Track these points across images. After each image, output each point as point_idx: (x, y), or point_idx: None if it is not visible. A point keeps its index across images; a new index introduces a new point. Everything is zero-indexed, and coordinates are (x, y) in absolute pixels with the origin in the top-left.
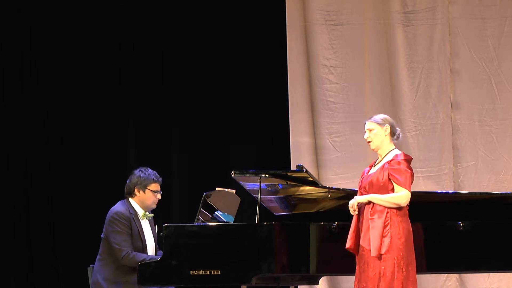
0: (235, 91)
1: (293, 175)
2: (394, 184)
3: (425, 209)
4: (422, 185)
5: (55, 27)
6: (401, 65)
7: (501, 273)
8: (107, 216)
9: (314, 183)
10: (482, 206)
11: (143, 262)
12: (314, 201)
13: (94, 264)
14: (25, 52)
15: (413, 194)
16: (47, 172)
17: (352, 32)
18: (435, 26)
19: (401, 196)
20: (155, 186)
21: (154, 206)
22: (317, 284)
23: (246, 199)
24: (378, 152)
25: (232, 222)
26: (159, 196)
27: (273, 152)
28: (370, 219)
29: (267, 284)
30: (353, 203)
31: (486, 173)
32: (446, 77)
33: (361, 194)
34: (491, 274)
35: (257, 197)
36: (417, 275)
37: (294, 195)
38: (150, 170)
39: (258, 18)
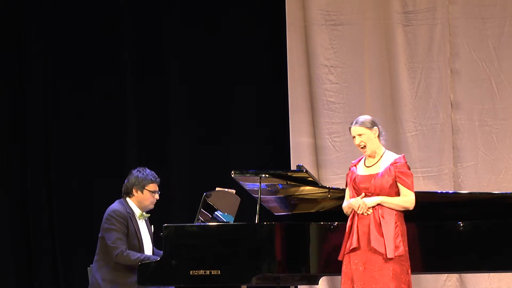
0: (235, 91)
1: (293, 175)
2: (402, 187)
3: (425, 209)
4: (422, 185)
5: (55, 27)
6: (401, 65)
7: (501, 273)
8: (104, 214)
9: (314, 183)
10: (482, 206)
11: (141, 261)
12: (314, 201)
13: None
14: (25, 52)
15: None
16: (47, 172)
17: (352, 32)
18: (435, 26)
19: (411, 199)
20: (153, 187)
21: (152, 206)
22: (317, 284)
23: (246, 199)
24: (371, 154)
25: (232, 222)
26: (157, 196)
27: (273, 152)
28: (382, 219)
29: (267, 284)
30: (361, 205)
31: (486, 173)
32: (446, 77)
33: (359, 195)
34: (491, 274)
35: (257, 197)
36: (417, 275)
37: (294, 195)
38: (148, 170)
39: (258, 18)
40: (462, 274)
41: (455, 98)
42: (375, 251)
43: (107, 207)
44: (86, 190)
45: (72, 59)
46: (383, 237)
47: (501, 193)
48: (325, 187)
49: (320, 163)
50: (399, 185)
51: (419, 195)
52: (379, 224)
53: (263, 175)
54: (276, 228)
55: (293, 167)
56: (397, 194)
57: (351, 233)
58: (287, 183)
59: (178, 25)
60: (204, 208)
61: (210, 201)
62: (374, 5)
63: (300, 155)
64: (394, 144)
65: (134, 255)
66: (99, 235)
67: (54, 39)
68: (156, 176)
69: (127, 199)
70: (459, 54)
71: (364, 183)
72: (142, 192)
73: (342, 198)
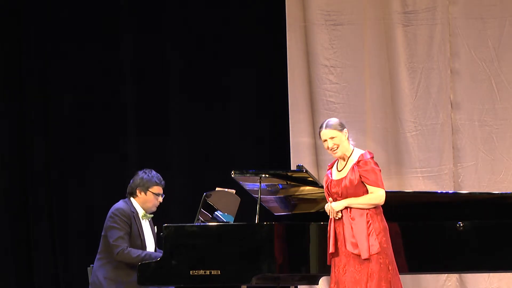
0: (235, 91)
1: (293, 175)
2: (368, 185)
3: (425, 209)
4: (422, 185)
5: (55, 27)
6: (401, 65)
7: (501, 273)
8: (108, 213)
9: (314, 183)
10: (482, 206)
11: (142, 259)
12: (314, 201)
13: (93, 264)
14: (25, 52)
15: (413, 194)
16: (47, 172)
17: (352, 32)
18: (435, 26)
19: (378, 195)
20: (157, 189)
21: (154, 209)
22: (317, 284)
23: (246, 199)
24: (341, 157)
25: (232, 222)
26: (160, 199)
27: (273, 152)
28: (352, 221)
29: (267, 284)
30: (330, 210)
31: (486, 173)
32: (446, 77)
33: (334, 200)
34: (491, 274)
35: (257, 197)
36: (417, 275)
37: (294, 195)
38: (154, 172)
39: (258, 18)
40: (462, 274)
41: (455, 98)
42: (352, 253)
43: (107, 207)
44: (86, 190)
45: (72, 58)
46: (355, 238)
47: (501, 193)
48: None
49: (320, 163)
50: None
51: (419, 195)
52: (351, 227)
53: (263, 175)
54: (276, 228)
55: (293, 167)
56: (366, 192)
57: (329, 238)
58: (287, 183)
59: (179, 25)
60: (204, 208)
61: (210, 201)
62: (374, 5)
63: (300, 155)
64: (394, 144)
65: (135, 252)
66: (102, 233)
67: (54, 39)
68: (161, 179)
69: (131, 199)
70: (459, 54)
71: (335, 188)
72: (145, 194)
73: None
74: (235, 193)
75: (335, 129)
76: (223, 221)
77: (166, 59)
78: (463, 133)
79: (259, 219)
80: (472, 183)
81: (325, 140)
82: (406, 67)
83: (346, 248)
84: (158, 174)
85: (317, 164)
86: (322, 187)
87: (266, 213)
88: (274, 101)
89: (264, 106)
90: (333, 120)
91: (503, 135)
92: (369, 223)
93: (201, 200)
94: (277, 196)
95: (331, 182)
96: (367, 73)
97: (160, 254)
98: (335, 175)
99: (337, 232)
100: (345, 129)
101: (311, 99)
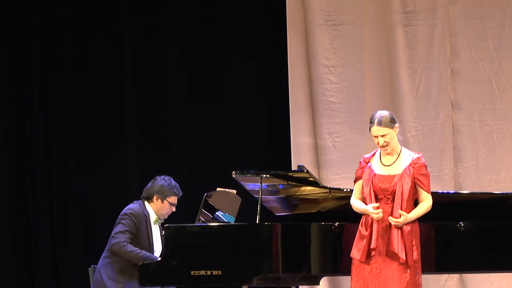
0: (235, 91)
1: (294, 175)
2: (421, 190)
3: None
4: None
5: (54, 19)
6: (401, 65)
7: (501, 273)
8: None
9: (315, 183)
10: (483, 206)
11: (136, 255)
12: (315, 201)
13: (94, 264)
14: (25, 51)
15: None
16: (48, 172)
17: (352, 32)
18: (435, 26)
19: (430, 204)
20: (174, 199)
21: (166, 217)
22: (318, 284)
23: (247, 199)
24: (390, 153)
25: (233, 223)
26: (173, 209)
27: (273, 152)
28: (406, 226)
29: (268, 285)
30: (402, 222)
31: (487, 173)
32: (446, 77)
33: (377, 195)
34: (491, 274)
35: (258, 198)
36: None
37: (295, 195)
38: (173, 182)
39: (258, 18)
40: (463, 274)
41: (456, 98)
42: (392, 254)
43: (107, 207)
44: (86, 189)
45: (71, 58)
46: (404, 244)
47: (501, 193)
48: (326, 187)
49: (320, 163)
50: (417, 187)
51: None
52: (402, 230)
53: (264, 175)
54: (277, 228)
55: (293, 167)
56: (415, 194)
57: (371, 233)
58: (288, 183)
59: (177, 24)
60: (205, 208)
61: (211, 201)
62: (374, 5)
63: (300, 155)
64: None
65: (131, 248)
66: (112, 233)
67: (53, 35)
68: (180, 189)
69: (146, 203)
70: (459, 54)
71: (383, 184)
72: (162, 202)
73: (342, 198)
74: (236, 193)
75: (386, 126)
76: (224, 222)
77: (166, 58)
78: (463, 133)
79: (260, 219)
80: (473, 183)
81: (376, 137)
82: (406, 67)
83: (388, 247)
84: (177, 184)
85: (318, 164)
86: (323, 187)
87: (267, 213)
88: (274, 101)
89: (265, 106)
90: (385, 116)
91: (503, 135)
92: (415, 229)
93: (202, 200)
94: (278, 196)
95: (376, 176)
96: (367, 73)
97: (157, 257)
98: (380, 170)
99: (378, 228)
100: (396, 124)
101: (311, 99)
